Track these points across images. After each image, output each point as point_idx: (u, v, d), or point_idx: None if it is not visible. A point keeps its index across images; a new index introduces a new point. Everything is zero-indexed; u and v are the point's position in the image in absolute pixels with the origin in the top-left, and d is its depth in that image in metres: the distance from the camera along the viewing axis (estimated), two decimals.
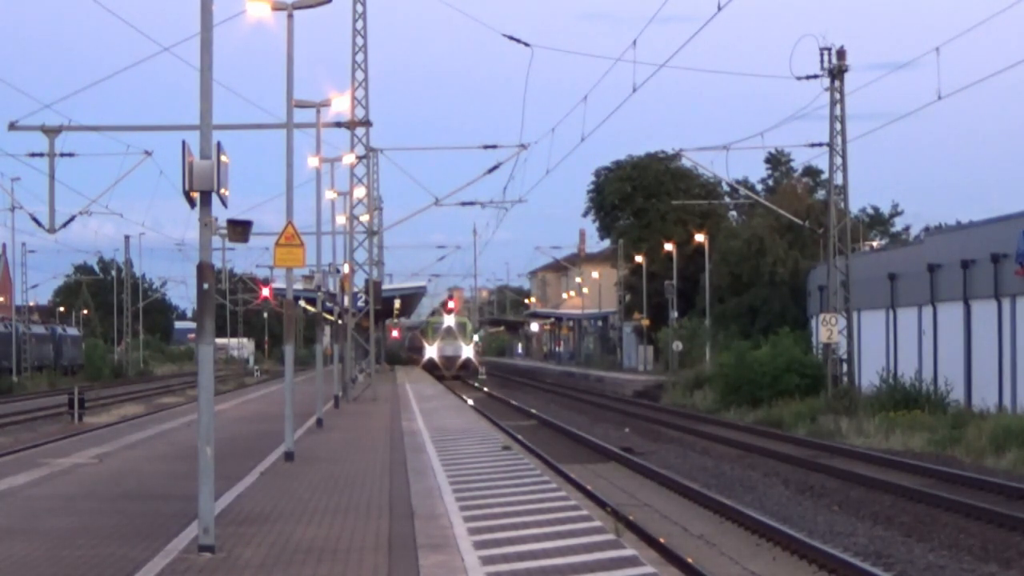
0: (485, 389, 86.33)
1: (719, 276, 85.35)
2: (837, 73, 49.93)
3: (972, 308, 49.92)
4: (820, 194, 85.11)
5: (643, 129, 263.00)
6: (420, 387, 69.32)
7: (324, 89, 58.60)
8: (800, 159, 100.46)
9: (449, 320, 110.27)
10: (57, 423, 53.01)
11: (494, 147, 58.10)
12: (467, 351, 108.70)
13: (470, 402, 59.93)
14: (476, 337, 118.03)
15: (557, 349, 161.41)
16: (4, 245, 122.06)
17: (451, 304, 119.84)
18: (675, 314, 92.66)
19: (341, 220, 59.37)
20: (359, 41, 57.79)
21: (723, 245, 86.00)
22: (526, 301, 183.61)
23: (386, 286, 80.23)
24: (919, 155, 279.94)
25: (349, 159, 55.76)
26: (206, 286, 15.78)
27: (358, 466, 26.25)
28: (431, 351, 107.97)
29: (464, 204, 72.22)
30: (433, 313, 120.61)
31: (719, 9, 34.22)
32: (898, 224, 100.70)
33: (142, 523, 18.15)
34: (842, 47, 49.77)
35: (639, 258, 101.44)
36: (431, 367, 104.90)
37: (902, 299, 57.32)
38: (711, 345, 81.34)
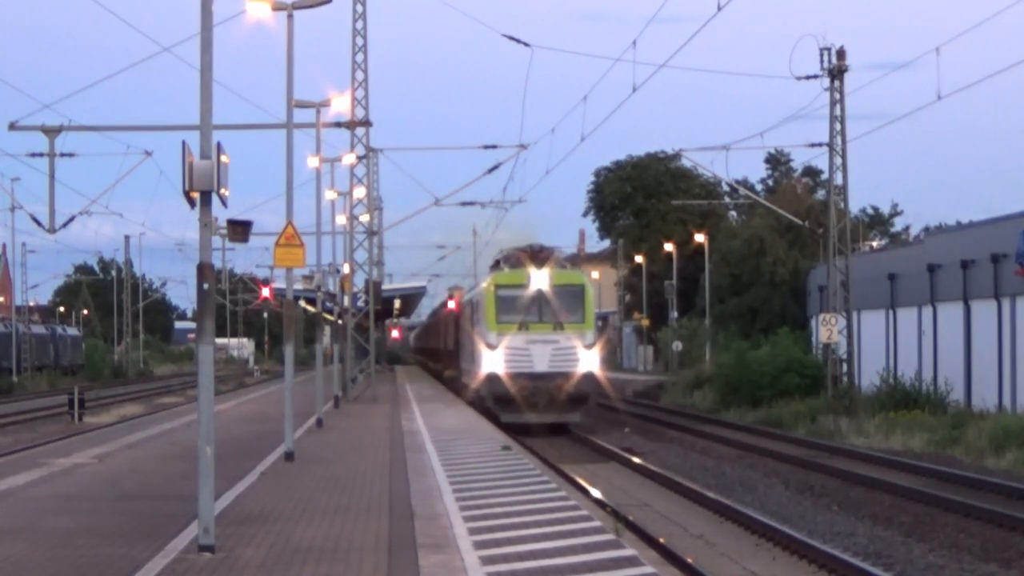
0: None
1: (719, 276, 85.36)
2: (837, 73, 49.93)
3: (972, 308, 49.92)
4: (820, 194, 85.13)
5: (643, 129, 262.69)
6: (420, 387, 69.30)
7: (324, 89, 58.71)
8: (800, 159, 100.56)
9: (540, 279, 47.26)
10: (57, 423, 53.02)
11: (494, 147, 58.02)
12: (587, 358, 47.04)
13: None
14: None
15: None
16: (4, 245, 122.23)
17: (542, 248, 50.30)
18: (675, 314, 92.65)
19: (341, 220, 59.37)
20: (359, 41, 57.76)
21: (723, 245, 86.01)
22: None
23: (386, 286, 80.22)
24: (919, 155, 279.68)
25: (349, 159, 55.74)
26: (206, 286, 15.79)
27: (358, 466, 26.25)
28: (493, 359, 47.01)
29: (464, 204, 71.90)
30: (496, 265, 52.80)
31: (719, 9, 34.18)
32: (898, 224, 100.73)
33: (142, 523, 18.15)
34: (842, 47, 49.79)
35: (639, 258, 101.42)
36: (494, 396, 47.01)
37: (902, 299, 57.32)
38: (711, 345, 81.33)
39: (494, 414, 45.23)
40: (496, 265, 51.76)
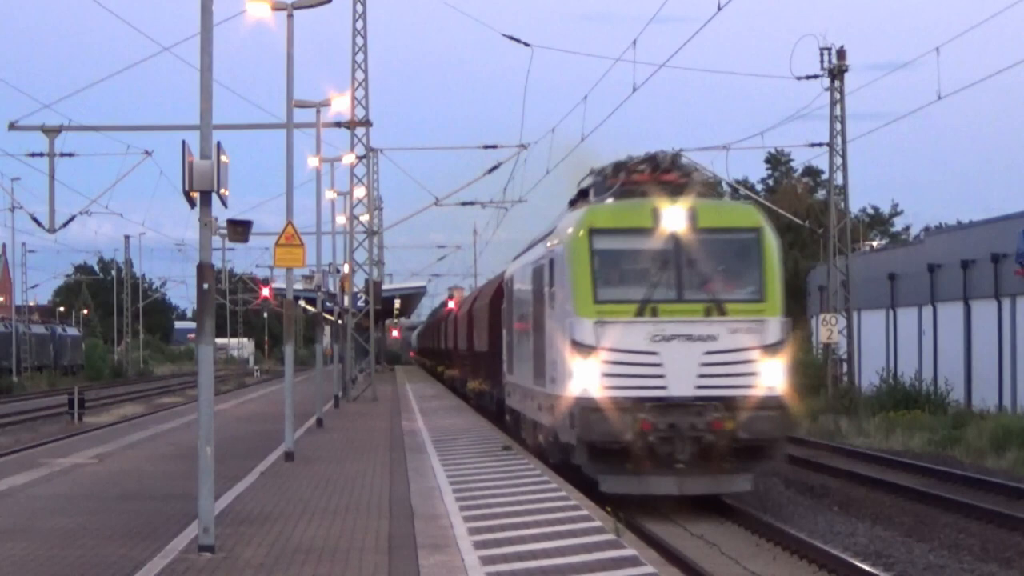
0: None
1: None
2: (837, 73, 49.94)
3: (972, 308, 49.93)
4: (820, 194, 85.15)
5: (643, 129, 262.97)
6: (420, 387, 69.30)
7: (324, 89, 58.71)
8: (800, 159, 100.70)
9: (675, 218, 24.74)
10: (57, 423, 53.01)
11: (494, 147, 58.00)
12: (771, 371, 24.98)
13: None
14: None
15: None
16: (4, 245, 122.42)
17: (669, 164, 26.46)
18: None
19: (341, 220, 59.40)
20: (359, 41, 57.79)
21: None
22: None
23: (386, 286, 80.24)
24: (919, 155, 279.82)
25: (349, 159, 55.78)
26: (206, 286, 15.80)
27: (358, 466, 26.25)
28: (586, 373, 24.01)
29: (464, 204, 71.82)
30: (583, 196, 28.28)
31: (719, 9, 34.15)
32: (898, 224, 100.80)
33: (142, 523, 18.15)
34: (842, 47, 49.82)
35: None
36: (589, 444, 24.03)
37: (902, 299, 57.33)
38: None
39: (586, 476, 24.46)
40: (583, 197, 28.23)
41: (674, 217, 24.72)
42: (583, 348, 24.06)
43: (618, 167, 27.09)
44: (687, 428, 24.04)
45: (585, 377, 24.07)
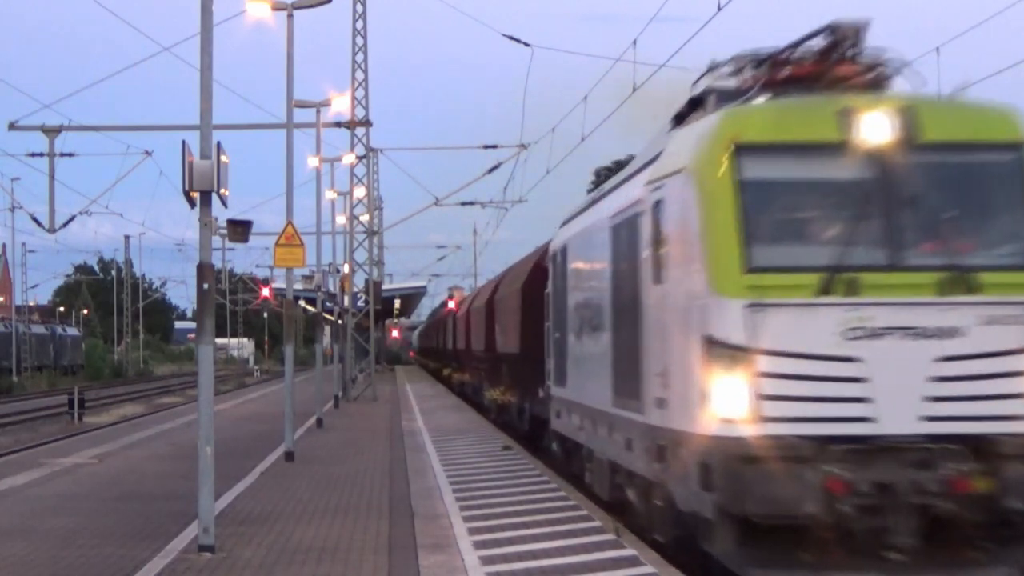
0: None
1: None
2: None
3: None
4: None
5: (643, 129, 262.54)
6: (420, 387, 69.31)
7: (324, 89, 58.79)
8: None
9: (880, 126, 13.90)
10: (57, 423, 53.00)
11: (494, 147, 57.98)
12: None
13: None
14: None
15: None
16: (4, 245, 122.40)
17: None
18: None
19: (341, 220, 59.43)
20: (359, 41, 57.84)
21: None
22: None
23: (386, 286, 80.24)
24: None
25: (349, 159, 55.83)
26: (206, 286, 15.81)
27: (358, 466, 26.25)
28: (732, 392, 13.48)
29: (464, 204, 71.72)
30: (696, 105, 16.75)
31: (719, 9, 34.12)
32: None
33: (142, 523, 18.16)
34: None
35: None
36: (733, 518, 13.37)
37: None
38: None
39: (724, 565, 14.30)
40: (696, 108, 17.17)
41: (879, 124, 14.34)
42: (727, 351, 13.82)
43: (759, 59, 16.12)
44: (909, 490, 13.60)
45: (730, 401, 13.78)
